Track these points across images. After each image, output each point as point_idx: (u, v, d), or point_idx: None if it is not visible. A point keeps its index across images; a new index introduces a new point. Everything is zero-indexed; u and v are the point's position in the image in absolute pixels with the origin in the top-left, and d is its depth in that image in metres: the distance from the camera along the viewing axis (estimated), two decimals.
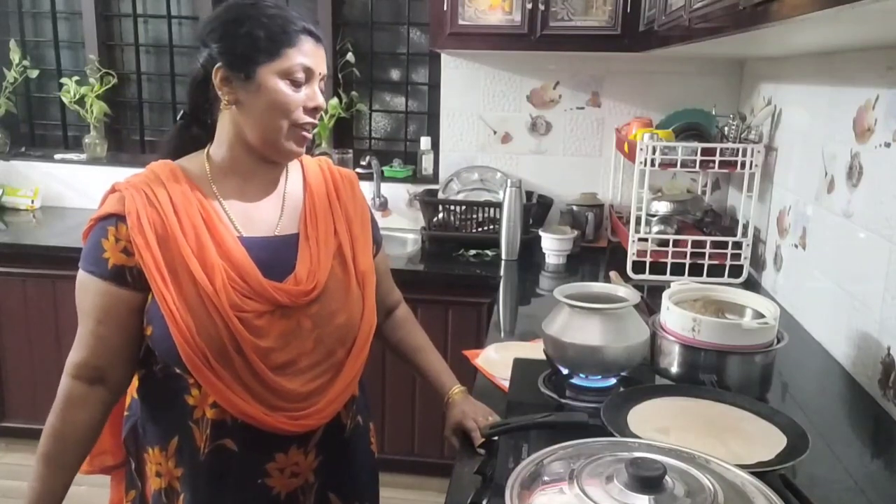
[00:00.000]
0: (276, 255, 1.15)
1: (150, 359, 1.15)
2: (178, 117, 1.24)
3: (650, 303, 1.60)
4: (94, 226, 1.11)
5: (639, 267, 2.21)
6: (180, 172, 1.14)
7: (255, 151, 1.15)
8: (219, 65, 1.10)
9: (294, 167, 1.26)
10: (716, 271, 2.16)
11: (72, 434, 1.12)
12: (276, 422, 1.10)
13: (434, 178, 2.99)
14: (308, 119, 1.13)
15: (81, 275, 1.10)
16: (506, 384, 1.41)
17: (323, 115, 2.92)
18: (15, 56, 3.10)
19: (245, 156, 1.15)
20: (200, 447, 1.13)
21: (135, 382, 1.21)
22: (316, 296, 1.13)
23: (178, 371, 1.11)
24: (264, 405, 1.10)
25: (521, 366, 1.45)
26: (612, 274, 2.16)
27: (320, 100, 1.14)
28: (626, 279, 2.13)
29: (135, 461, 1.24)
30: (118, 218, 1.09)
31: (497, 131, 2.89)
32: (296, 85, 1.11)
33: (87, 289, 1.10)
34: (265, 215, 1.18)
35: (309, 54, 1.11)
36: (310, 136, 1.16)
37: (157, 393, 1.17)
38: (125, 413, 1.25)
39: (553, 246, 2.46)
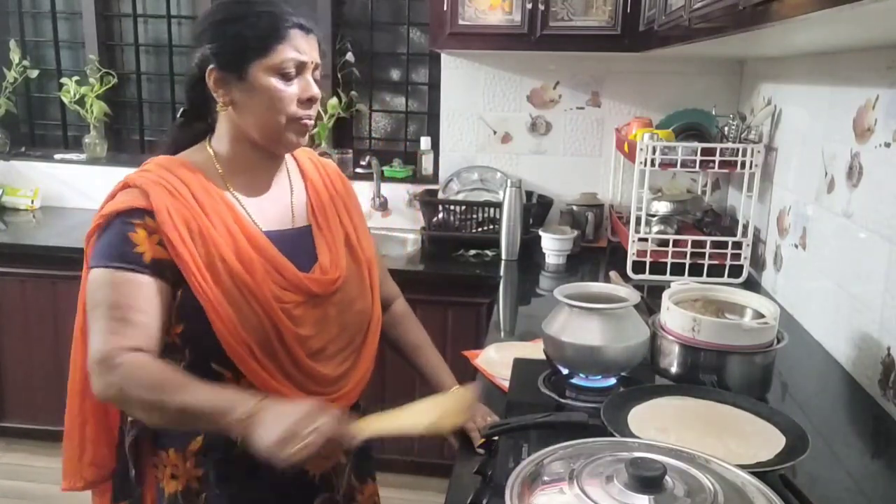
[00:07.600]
0: (295, 247, 1.18)
1: (174, 357, 1.11)
2: (178, 115, 1.25)
3: (650, 303, 1.60)
4: (113, 221, 1.07)
5: (639, 267, 2.21)
6: (191, 167, 1.14)
7: (258, 147, 1.16)
8: (212, 66, 1.11)
9: (289, 159, 1.27)
10: (716, 271, 2.16)
11: (159, 373, 1.03)
12: None
13: (434, 178, 2.99)
14: (304, 111, 1.14)
15: (102, 272, 1.05)
16: (506, 384, 1.41)
17: (322, 114, 2.95)
18: (15, 56, 3.10)
19: (250, 151, 1.17)
20: (236, 440, 1.03)
21: None
22: (341, 284, 1.19)
23: (213, 366, 1.09)
24: (303, 391, 1.14)
25: (521, 366, 1.44)
26: (612, 274, 2.15)
27: (314, 90, 1.14)
28: (626, 279, 2.13)
29: (135, 468, 1.20)
30: (145, 212, 1.07)
31: (497, 131, 2.89)
32: (287, 79, 1.11)
33: (109, 283, 1.04)
34: (277, 209, 1.21)
35: (299, 48, 1.11)
36: (310, 125, 1.16)
37: None
38: (129, 420, 1.20)
39: (553, 246, 2.46)
